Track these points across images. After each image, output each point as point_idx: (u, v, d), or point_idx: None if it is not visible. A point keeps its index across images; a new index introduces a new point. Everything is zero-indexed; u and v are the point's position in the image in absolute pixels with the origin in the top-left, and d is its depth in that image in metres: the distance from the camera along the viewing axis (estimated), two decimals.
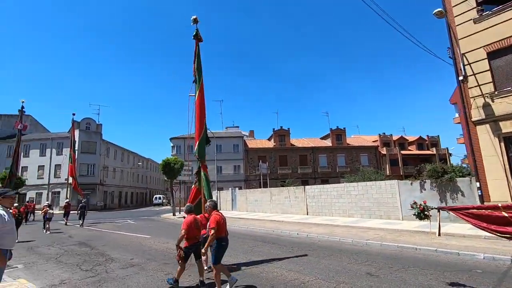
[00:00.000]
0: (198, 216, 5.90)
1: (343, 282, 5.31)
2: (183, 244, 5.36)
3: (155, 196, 55.47)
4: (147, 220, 21.56)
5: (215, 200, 6.40)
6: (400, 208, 13.29)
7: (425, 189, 12.63)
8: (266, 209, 21.13)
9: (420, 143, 48.79)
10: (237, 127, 51.66)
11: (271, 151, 42.97)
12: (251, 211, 22.49)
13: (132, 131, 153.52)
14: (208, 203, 5.49)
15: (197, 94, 8.24)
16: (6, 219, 3.81)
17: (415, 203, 11.70)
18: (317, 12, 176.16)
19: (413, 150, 47.90)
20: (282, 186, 22.91)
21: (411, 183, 13.18)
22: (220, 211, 5.43)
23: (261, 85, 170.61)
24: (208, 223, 5.07)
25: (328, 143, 45.86)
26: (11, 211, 4.07)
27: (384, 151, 45.33)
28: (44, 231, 15.24)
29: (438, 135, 49.94)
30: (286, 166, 42.60)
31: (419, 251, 7.75)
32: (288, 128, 44.35)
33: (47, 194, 38.74)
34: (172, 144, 42.01)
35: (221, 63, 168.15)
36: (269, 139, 47.59)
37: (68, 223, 19.18)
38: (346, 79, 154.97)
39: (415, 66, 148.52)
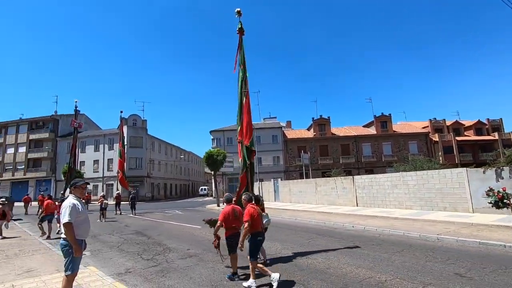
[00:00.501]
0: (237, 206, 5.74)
1: (430, 284, 4.61)
2: (223, 234, 5.40)
3: (200, 187, 58.13)
4: (193, 211, 22.19)
5: (248, 192, 6.30)
6: (469, 199, 11.81)
7: (502, 178, 11.02)
8: (311, 200, 20.48)
9: (479, 128, 43.87)
10: (275, 117, 51.07)
11: (311, 141, 41.80)
12: (295, 202, 22.00)
13: (173, 125, 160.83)
14: (243, 196, 5.42)
15: (244, 87, 8.08)
16: (80, 209, 3.78)
17: (491, 189, 10.24)
18: None
19: (470, 136, 43.31)
20: (328, 176, 22.02)
21: (484, 172, 11.59)
22: (254, 204, 5.29)
23: (297, 74, 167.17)
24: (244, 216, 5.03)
25: (372, 131, 43.33)
26: (83, 201, 4.04)
27: (436, 137, 41.61)
28: (101, 220, 16.42)
29: (501, 118, 44.45)
30: (327, 156, 41.19)
31: (510, 249, 6.64)
32: (328, 117, 42.72)
33: (102, 186, 42.06)
34: (212, 137, 42.85)
35: (253, 53, 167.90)
36: (308, 129, 46.33)
37: (121, 213, 20.33)
38: (389, 62, 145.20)
39: (467, 42, 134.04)
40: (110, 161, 42.67)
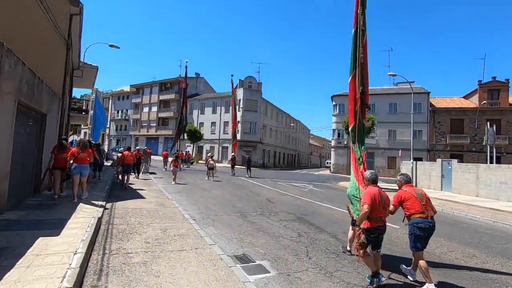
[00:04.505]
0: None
1: None
2: (363, 225, 3.88)
3: (326, 161, 60.07)
4: (327, 188, 17.78)
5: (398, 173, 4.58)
6: None
7: None
8: None
9: None
10: (412, 82, 40.40)
11: (472, 113, 30.73)
12: (489, 197, 14.62)
13: (284, 90, 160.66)
14: (368, 174, 4.25)
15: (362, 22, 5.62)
16: None
17: None
18: None
19: None
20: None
21: None
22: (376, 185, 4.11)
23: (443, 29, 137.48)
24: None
25: None
26: None
27: None
28: (209, 178, 16.59)
29: None
30: (500, 134, 29.58)
31: None
32: (507, 80, 30.12)
33: (218, 148, 42.80)
34: (334, 103, 36.92)
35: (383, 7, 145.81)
36: (465, 97, 34.60)
37: (235, 174, 20.92)
38: None
39: None
40: (226, 123, 42.58)
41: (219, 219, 7.28)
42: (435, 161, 19.57)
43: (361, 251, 3.78)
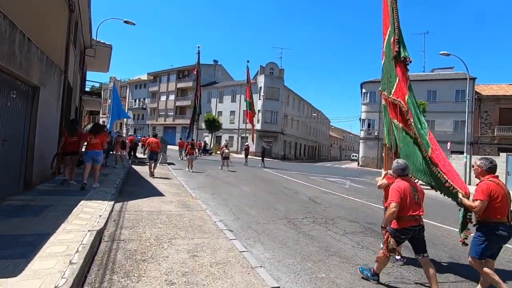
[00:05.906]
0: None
1: None
2: (391, 225, 3.26)
3: (352, 154, 59.81)
4: (369, 184, 15.49)
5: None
6: None
7: None
8: None
9: None
10: (451, 68, 36.67)
11: None
12: None
13: (304, 77, 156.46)
14: (395, 164, 3.45)
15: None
16: None
17: None
18: None
19: None
20: None
21: None
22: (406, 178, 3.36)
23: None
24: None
25: None
26: None
27: None
28: (220, 167, 16.05)
29: None
30: None
31: None
32: None
33: (237, 138, 40.91)
34: (364, 90, 33.95)
35: None
36: None
37: (247, 165, 20.42)
38: None
39: None
40: (245, 113, 40.51)
41: (265, 231, 5.30)
42: (484, 155, 16.79)
43: (387, 253, 3.24)
